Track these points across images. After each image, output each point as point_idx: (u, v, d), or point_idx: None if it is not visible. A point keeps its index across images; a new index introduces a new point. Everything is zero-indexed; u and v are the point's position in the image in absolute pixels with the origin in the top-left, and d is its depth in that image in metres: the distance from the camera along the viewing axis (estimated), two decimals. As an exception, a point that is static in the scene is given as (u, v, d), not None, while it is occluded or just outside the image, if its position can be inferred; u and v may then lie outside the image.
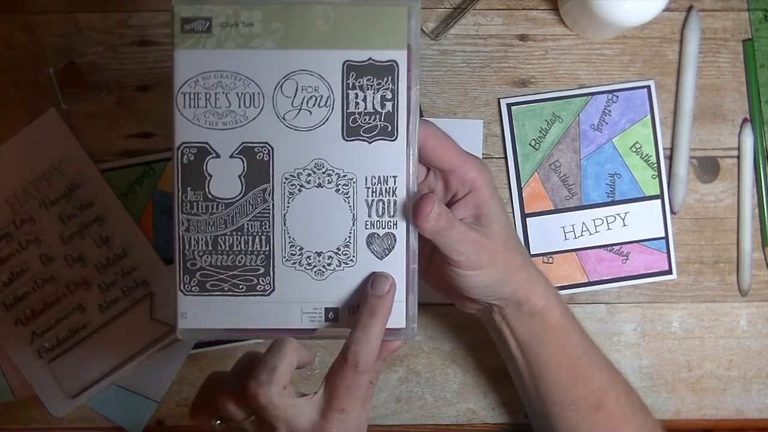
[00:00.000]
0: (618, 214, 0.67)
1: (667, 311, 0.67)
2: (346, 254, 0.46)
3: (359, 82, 0.44)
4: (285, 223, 0.45)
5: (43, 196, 0.66)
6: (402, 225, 0.45)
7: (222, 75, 0.45)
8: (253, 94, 0.45)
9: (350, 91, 0.44)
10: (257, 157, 0.45)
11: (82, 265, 0.66)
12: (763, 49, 0.67)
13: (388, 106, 0.44)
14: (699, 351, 0.67)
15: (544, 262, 0.67)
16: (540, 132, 0.67)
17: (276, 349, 0.43)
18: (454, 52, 0.67)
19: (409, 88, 0.44)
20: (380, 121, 0.44)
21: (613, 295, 0.67)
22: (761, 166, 0.67)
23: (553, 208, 0.67)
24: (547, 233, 0.67)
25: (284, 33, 0.44)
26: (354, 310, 0.46)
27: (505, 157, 0.67)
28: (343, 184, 0.45)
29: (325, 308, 0.46)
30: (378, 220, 0.45)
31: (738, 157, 0.67)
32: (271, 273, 0.46)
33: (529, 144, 0.67)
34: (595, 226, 0.67)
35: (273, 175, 0.45)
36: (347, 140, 0.45)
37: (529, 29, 0.67)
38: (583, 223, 0.67)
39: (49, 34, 0.67)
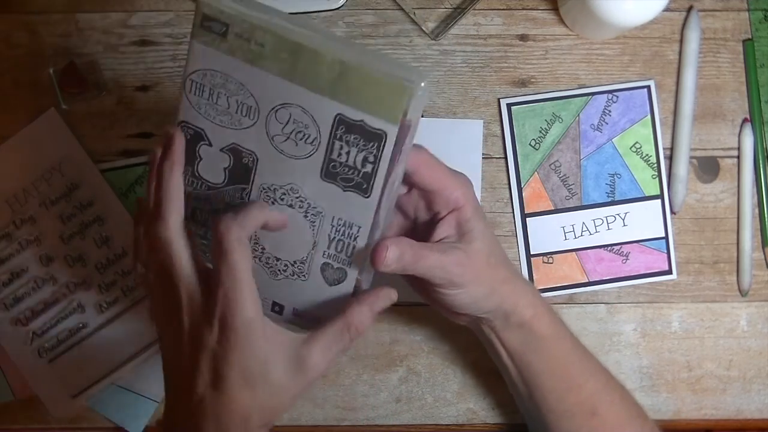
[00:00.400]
0: (618, 214, 0.67)
1: (667, 311, 0.67)
2: (300, 270, 0.49)
3: (347, 137, 0.45)
4: None
5: (43, 196, 0.66)
6: (354, 267, 0.48)
7: (227, 79, 0.46)
8: (251, 107, 0.46)
9: (336, 141, 0.45)
10: (243, 160, 0.48)
11: (82, 265, 0.66)
12: (763, 49, 0.67)
13: (369, 167, 0.45)
14: (699, 351, 0.67)
15: (544, 262, 0.67)
16: (540, 132, 0.67)
17: (244, 204, 0.47)
18: (454, 52, 0.67)
19: (393, 160, 0.45)
20: (358, 176, 0.46)
21: (613, 295, 0.67)
22: (761, 166, 0.67)
23: (553, 208, 0.67)
24: (547, 233, 0.67)
25: (290, 66, 0.45)
26: (297, 312, 0.50)
27: (505, 157, 0.67)
28: (312, 214, 0.48)
29: (273, 301, 0.51)
30: (335, 255, 0.48)
31: (738, 157, 0.67)
32: None
33: (529, 144, 0.67)
34: (595, 226, 0.67)
35: (253, 180, 0.48)
36: (324, 180, 0.47)
37: (529, 29, 0.67)
38: (583, 223, 0.67)
39: (49, 34, 0.67)
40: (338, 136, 0.45)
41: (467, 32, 0.67)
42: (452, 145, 0.67)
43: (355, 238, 0.47)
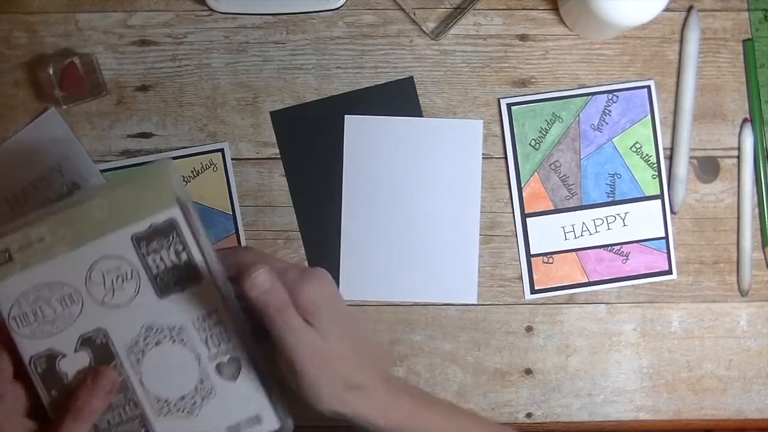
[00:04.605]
0: (618, 214, 0.67)
1: (667, 311, 0.67)
2: (205, 389, 0.51)
3: (152, 247, 0.49)
4: (143, 386, 0.50)
5: (43, 196, 0.66)
6: (239, 344, 0.50)
7: (38, 289, 0.49)
8: (70, 293, 0.49)
9: (148, 257, 0.49)
10: (97, 342, 0.50)
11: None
12: (763, 49, 0.67)
13: (184, 255, 0.49)
14: (699, 351, 0.67)
15: (544, 262, 0.67)
16: (540, 132, 0.67)
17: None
18: (454, 52, 0.67)
19: (194, 234, 0.49)
20: (183, 271, 0.49)
21: (613, 295, 0.67)
22: (761, 166, 0.67)
23: (553, 208, 0.67)
24: (547, 233, 0.67)
25: (72, 235, 0.49)
26: (232, 428, 0.52)
27: (505, 157, 0.67)
28: (177, 334, 0.50)
29: None
30: (218, 350, 0.50)
31: (738, 157, 0.67)
32: (152, 430, 0.50)
33: (529, 144, 0.67)
34: (595, 226, 0.67)
35: (116, 351, 0.50)
36: (162, 298, 0.49)
37: (529, 29, 0.67)
38: (583, 223, 0.67)
39: (49, 34, 0.67)
40: (146, 253, 0.49)
41: (467, 32, 0.67)
42: (452, 145, 0.67)
43: (221, 322, 0.50)
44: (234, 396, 0.51)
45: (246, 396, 0.51)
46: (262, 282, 0.47)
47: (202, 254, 0.49)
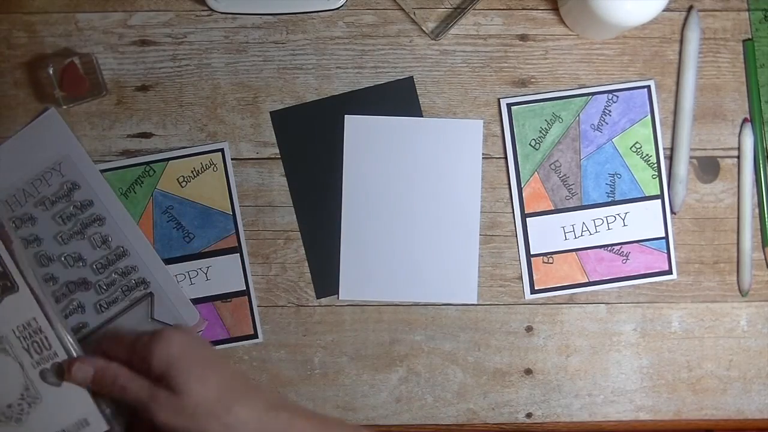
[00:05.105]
0: (618, 214, 0.67)
1: (667, 311, 0.67)
2: (30, 396, 0.52)
3: None
4: None
5: (42, 196, 0.66)
6: (61, 350, 0.52)
7: None
8: None
9: None
10: None
11: (82, 265, 0.65)
12: (763, 49, 0.67)
13: None
14: (699, 351, 0.67)
15: (544, 262, 0.67)
16: (540, 132, 0.67)
17: None
18: (454, 52, 0.67)
19: (5, 244, 0.51)
20: None
21: (613, 295, 0.67)
22: (761, 166, 0.67)
23: (553, 208, 0.67)
24: (547, 233, 0.67)
25: None
26: None
27: (505, 157, 0.67)
28: None
29: None
30: (41, 358, 0.52)
31: (738, 157, 0.67)
32: None
33: (529, 144, 0.67)
34: (595, 226, 0.67)
35: None
36: None
37: (529, 29, 0.67)
38: (583, 223, 0.67)
39: (49, 34, 0.67)
40: None
41: (467, 32, 0.67)
42: (452, 145, 0.67)
43: (40, 330, 0.51)
44: (60, 401, 0.52)
45: (72, 401, 0.52)
46: (83, 372, 0.50)
47: (16, 263, 0.50)
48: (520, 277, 0.67)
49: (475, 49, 0.67)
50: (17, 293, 0.50)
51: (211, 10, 0.65)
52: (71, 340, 0.54)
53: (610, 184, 0.67)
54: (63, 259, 0.65)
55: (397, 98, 0.67)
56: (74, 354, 0.54)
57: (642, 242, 0.67)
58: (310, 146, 0.67)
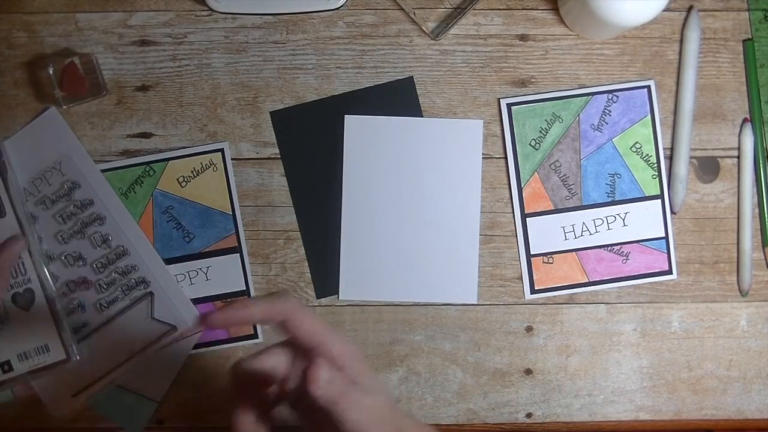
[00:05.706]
0: (618, 214, 0.67)
1: (667, 311, 0.67)
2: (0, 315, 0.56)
3: None
4: None
5: (42, 195, 0.66)
6: (34, 277, 0.56)
7: None
8: None
9: None
10: None
11: (82, 265, 0.66)
12: (763, 49, 0.67)
13: None
14: (699, 351, 0.67)
15: (544, 262, 0.67)
16: (540, 132, 0.67)
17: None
18: (454, 52, 0.67)
19: (2, 170, 0.56)
20: None
21: (613, 295, 0.67)
22: (761, 166, 0.67)
23: (553, 208, 0.67)
24: (547, 233, 0.67)
25: None
26: (22, 357, 0.58)
27: (505, 157, 0.67)
28: None
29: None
30: (15, 282, 0.57)
31: (738, 157, 0.67)
32: None
33: (529, 144, 0.67)
34: (595, 226, 0.67)
35: None
36: None
37: (529, 29, 0.67)
38: (583, 223, 0.67)
39: (49, 34, 0.67)
40: None
41: (467, 32, 0.67)
42: (452, 145, 0.67)
43: (20, 255, 0.56)
44: (26, 325, 0.56)
45: (37, 327, 0.56)
46: (324, 379, 0.42)
47: (7, 190, 0.54)
48: (520, 277, 0.67)
49: (475, 49, 0.67)
50: (3, 219, 0.55)
51: (211, 10, 0.65)
52: (46, 272, 0.58)
53: (610, 184, 0.67)
54: (63, 258, 0.65)
55: (397, 98, 0.67)
56: (47, 283, 0.60)
57: (642, 242, 0.67)
58: (310, 146, 0.67)
